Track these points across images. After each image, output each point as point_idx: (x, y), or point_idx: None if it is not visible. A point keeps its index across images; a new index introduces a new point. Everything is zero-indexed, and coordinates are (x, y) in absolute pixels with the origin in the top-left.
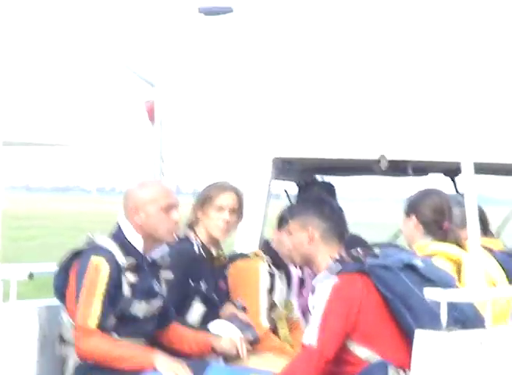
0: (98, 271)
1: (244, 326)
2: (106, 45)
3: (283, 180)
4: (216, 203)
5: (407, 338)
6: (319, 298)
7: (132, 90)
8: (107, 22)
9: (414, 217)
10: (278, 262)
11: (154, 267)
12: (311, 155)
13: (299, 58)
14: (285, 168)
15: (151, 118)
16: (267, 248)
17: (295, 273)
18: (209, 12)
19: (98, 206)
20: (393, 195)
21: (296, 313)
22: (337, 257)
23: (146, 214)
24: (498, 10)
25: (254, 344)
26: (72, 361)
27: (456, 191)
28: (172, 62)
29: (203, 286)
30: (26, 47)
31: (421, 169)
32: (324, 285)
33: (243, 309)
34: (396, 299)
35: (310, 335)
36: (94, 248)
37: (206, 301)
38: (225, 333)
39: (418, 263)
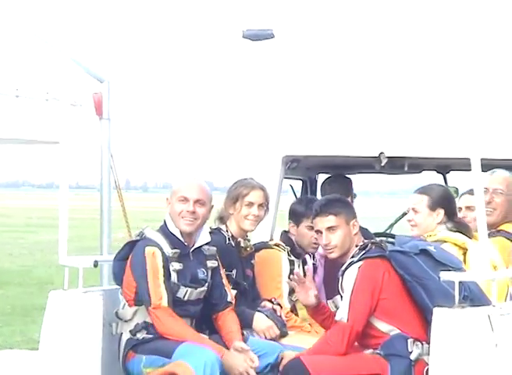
0: (156, 258)
1: (279, 321)
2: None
3: (290, 177)
4: (247, 200)
5: (423, 314)
6: (348, 280)
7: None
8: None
9: (441, 211)
10: (295, 251)
11: (200, 256)
12: (317, 153)
13: (303, 61)
14: (292, 166)
15: (99, 111)
16: (285, 238)
17: (309, 261)
18: (254, 37)
19: (47, 202)
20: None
21: None
22: (362, 245)
23: (170, 205)
24: (497, 9)
25: (282, 337)
26: (125, 335)
27: None
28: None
29: (234, 273)
30: None
31: (416, 166)
32: (352, 269)
33: (279, 306)
34: (413, 280)
35: (341, 312)
36: (146, 240)
37: (236, 287)
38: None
39: (431, 249)
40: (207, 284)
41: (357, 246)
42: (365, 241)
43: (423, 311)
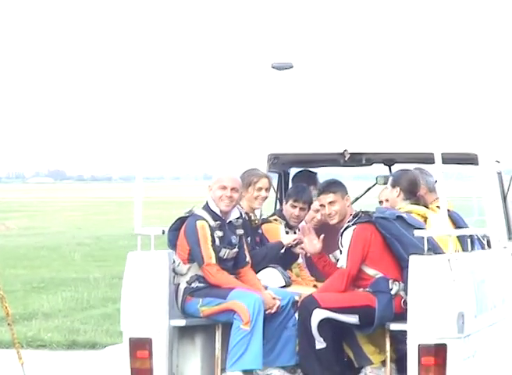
0: (205, 229)
1: (285, 275)
2: None
3: (270, 171)
4: (257, 185)
5: (399, 262)
6: (346, 239)
7: None
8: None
9: (398, 188)
10: (288, 224)
11: (232, 226)
12: (292, 151)
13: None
14: (274, 162)
15: None
16: (280, 214)
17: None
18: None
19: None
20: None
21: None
22: (355, 213)
23: (212, 190)
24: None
25: (286, 286)
26: (182, 285)
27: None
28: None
29: (249, 240)
30: None
31: (369, 160)
32: (348, 231)
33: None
34: (392, 238)
35: (341, 261)
36: (196, 216)
37: (250, 250)
38: (271, 277)
39: (405, 216)
40: (236, 247)
41: (351, 215)
42: (357, 210)
43: (399, 260)
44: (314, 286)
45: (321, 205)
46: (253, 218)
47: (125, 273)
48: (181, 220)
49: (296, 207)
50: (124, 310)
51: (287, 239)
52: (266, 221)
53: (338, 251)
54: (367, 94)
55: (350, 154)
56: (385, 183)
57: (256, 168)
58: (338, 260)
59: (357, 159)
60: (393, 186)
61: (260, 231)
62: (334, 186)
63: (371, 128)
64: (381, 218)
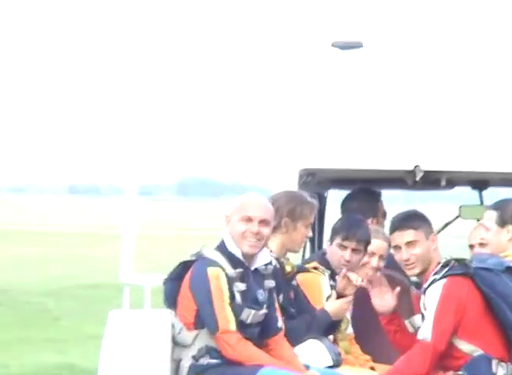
0: (220, 280)
1: (332, 347)
2: None
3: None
4: (310, 220)
5: (507, 333)
6: (431, 298)
7: None
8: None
9: (509, 227)
10: (334, 274)
11: (258, 276)
12: (338, 165)
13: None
14: (307, 180)
15: None
16: (323, 260)
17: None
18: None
19: None
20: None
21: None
22: (445, 261)
23: (231, 223)
24: None
25: (335, 366)
26: (186, 361)
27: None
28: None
29: (281, 298)
30: None
31: (451, 181)
32: (435, 287)
33: None
34: (498, 298)
35: (424, 331)
36: (206, 260)
37: (283, 312)
38: (314, 354)
39: None
40: (265, 306)
41: (438, 264)
42: (447, 257)
43: (507, 329)
44: (372, 368)
45: (394, 247)
46: (286, 265)
47: (103, 343)
48: (185, 266)
49: (346, 248)
50: None
51: (333, 306)
52: (302, 270)
53: (417, 317)
54: (451, 91)
55: (424, 172)
56: (475, 217)
57: (299, 191)
58: (418, 329)
59: (432, 180)
60: (501, 224)
61: (294, 283)
62: (415, 219)
63: (453, 137)
64: (482, 269)
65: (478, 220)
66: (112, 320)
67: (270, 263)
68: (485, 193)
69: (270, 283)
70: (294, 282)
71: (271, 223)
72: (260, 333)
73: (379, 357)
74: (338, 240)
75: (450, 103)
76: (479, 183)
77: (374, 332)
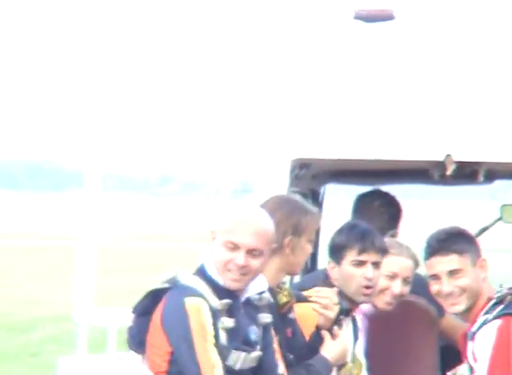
0: (201, 314)
1: None
2: None
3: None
4: (312, 234)
5: None
6: (483, 346)
7: None
8: None
9: None
10: (340, 305)
11: (251, 309)
12: (341, 154)
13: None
14: (297, 174)
15: None
16: (328, 284)
17: (359, 318)
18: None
19: None
20: None
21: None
22: (499, 296)
23: (215, 244)
24: None
25: None
26: None
27: None
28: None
29: (277, 339)
30: None
31: (491, 174)
32: (487, 330)
33: None
34: None
35: None
36: (182, 288)
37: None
38: None
39: None
40: (258, 347)
41: (489, 300)
42: (502, 290)
43: None
44: None
45: (432, 276)
46: (281, 296)
47: None
48: (154, 296)
49: (365, 263)
50: None
51: (333, 348)
52: (301, 299)
53: (463, 367)
54: (488, 68)
55: (457, 163)
56: None
57: (294, 196)
58: None
59: (467, 172)
60: None
61: (292, 317)
62: (458, 240)
63: (493, 121)
64: None
65: None
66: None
67: (264, 292)
68: None
69: (266, 317)
70: (292, 315)
71: (264, 252)
72: None
73: None
74: (352, 256)
75: (490, 81)
76: None
77: None
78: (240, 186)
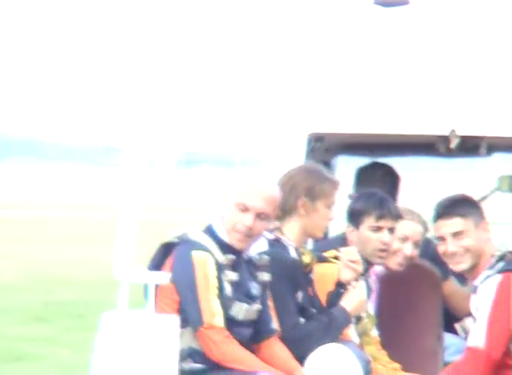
0: (207, 266)
1: (360, 354)
2: None
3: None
4: (331, 199)
5: None
6: (484, 298)
7: None
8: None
9: None
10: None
11: (251, 267)
12: (353, 129)
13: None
14: (313, 147)
15: None
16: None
17: (373, 279)
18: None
19: None
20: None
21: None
22: (501, 254)
23: (226, 205)
24: None
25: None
26: None
27: None
28: None
29: (300, 296)
30: None
31: (492, 147)
32: (488, 284)
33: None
34: None
35: (476, 336)
36: (190, 243)
37: (303, 313)
38: (339, 362)
39: None
40: (259, 301)
41: (491, 257)
42: (503, 249)
43: None
44: None
45: (438, 238)
46: (304, 256)
47: (95, 348)
48: (166, 249)
49: (382, 229)
50: None
51: (352, 300)
52: (322, 260)
53: (468, 320)
54: (490, 47)
55: (460, 137)
56: None
57: (318, 166)
58: (467, 334)
59: (469, 146)
60: None
61: (311, 276)
62: (462, 205)
63: (495, 97)
64: None
65: None
66: (106, 324)
67: (265, 252)
68: None
69: (264, 275)
70: (311, 275)
71: (270, 215)
72: (253, 335)
73: (411, 365)
74: (370, 222)
75: (493, 63)
76: None
77: (404, 333)
78: (183, 157)
